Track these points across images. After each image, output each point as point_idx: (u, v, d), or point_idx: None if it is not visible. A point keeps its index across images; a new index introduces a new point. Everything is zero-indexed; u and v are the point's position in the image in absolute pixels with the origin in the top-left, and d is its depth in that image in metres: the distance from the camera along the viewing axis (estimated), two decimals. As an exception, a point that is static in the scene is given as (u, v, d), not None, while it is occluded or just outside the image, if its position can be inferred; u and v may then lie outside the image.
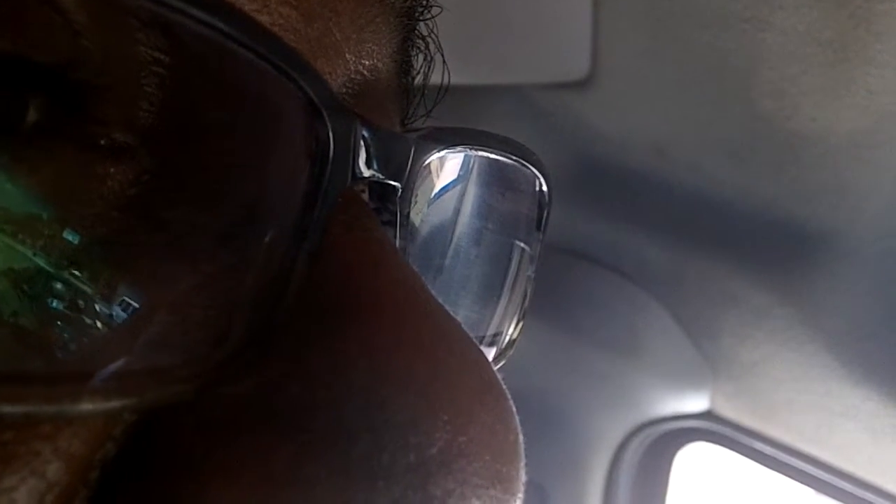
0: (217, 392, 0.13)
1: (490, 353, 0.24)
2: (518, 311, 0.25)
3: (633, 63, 0.51)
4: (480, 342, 0.24)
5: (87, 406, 0.11)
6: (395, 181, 0.17)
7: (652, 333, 0.67)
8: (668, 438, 0.70)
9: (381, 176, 0.16)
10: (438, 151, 0.19)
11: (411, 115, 0.22)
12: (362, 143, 0.15)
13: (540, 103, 0.58)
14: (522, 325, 0.25)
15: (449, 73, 0.24)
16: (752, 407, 0.65)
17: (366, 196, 0.17)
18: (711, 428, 0.68)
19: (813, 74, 0.44)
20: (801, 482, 0.64)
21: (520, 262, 0.25)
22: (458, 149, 0.20)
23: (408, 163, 0.17)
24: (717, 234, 0.58)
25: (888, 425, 0.56)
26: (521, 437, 0.15)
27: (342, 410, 0.13)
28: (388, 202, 0.17)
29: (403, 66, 0.20)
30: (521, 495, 0.15)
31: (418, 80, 0.22)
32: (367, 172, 0.16)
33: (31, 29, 0.11)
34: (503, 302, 0.25)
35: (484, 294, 0.24)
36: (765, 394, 0.63)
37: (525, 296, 0.25)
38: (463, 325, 0.15)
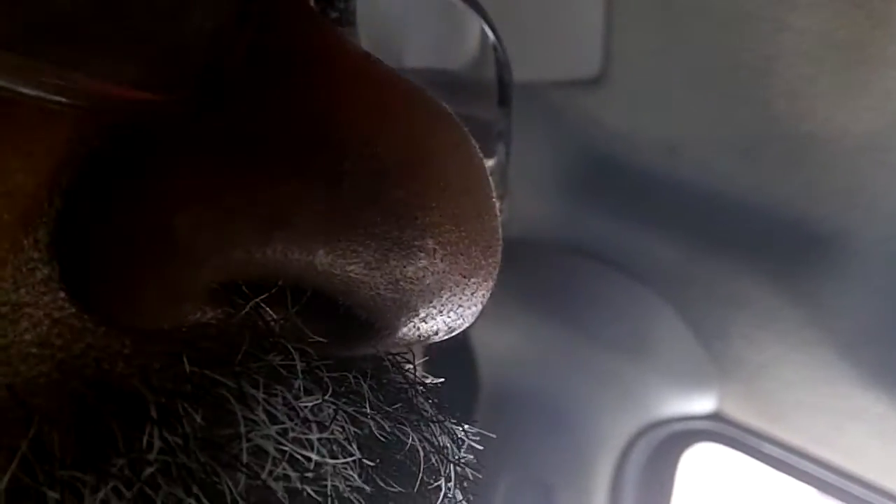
0: (179, 112, 0.13)
1: None
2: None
3: (646, 61, 0.51)
4: None
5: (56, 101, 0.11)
6: None
7: (660, 334, 0.66)
8: (674, 439, 0.70)
9: None
10: None
11: None
12: None
13: (551, 101, 0.58)
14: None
15: None
16: (759, 408, 0.65)
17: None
18: (719, 429, 0.67)
19: (828, 75, 0.44)
20: (809, 484, 0.64)
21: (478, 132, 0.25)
22: None
23: None
24: (727, 235, 0.58)
25: (897, 428, 0.56)
26: (485, 168, 0.15)
27: (303, 135, 0.13)
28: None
29: None
30: (495, 210, 0.14)
31: None
32: None
33: None
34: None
35: None
36: (773, 395, 0.63)
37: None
38: None
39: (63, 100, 0.12)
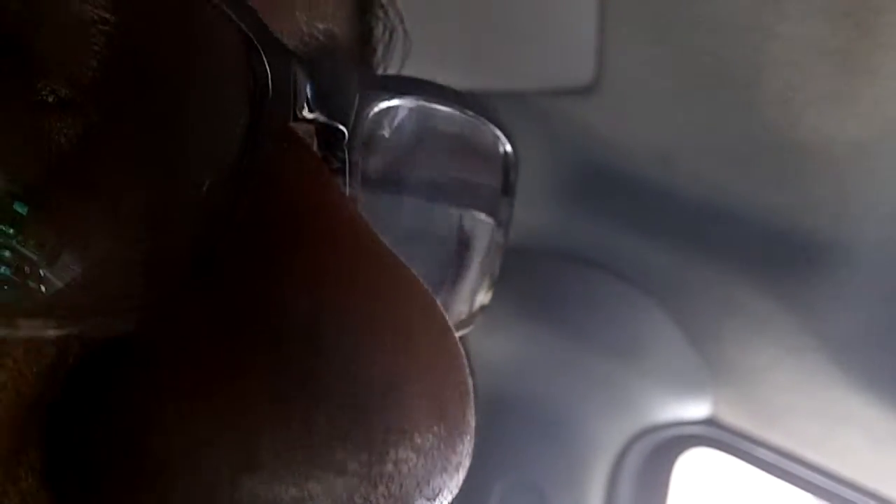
0: (163, 321, 0.13)
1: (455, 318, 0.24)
2: (489, 279, 0.24)
3: (638, 70, 0.51)
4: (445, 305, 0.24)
5: (25, 331, 0.12)
6: (340, 124, 0.16)
7: (654, 339, 0.67)
8: (669, 444, 0.70)
9: (324, 118, 0.16)
10: (387, 99, 0.18)
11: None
12: (307, 83, 0.15)
13: (544, 110, 0.58)
14: (493, 293, 0.24)
15: (410, 44, 0.23)
16: (753, 413, 0.65)
17: (314, 145, 0.16)
18: (713, 434, 0.68)
19: (818, 84, 0.44)
20: (803, 489, 0.64)
21: (484, 229, 0.24)
22: (408, 99, 0.19)
23: (353, 106, 0.17)
24: (720, 242, 0.58)
25: (890, 432, 0.56)
26: (469, 378, 0.14)
27: (281, 336, 0.12)
28: (336, 148, 0.17)
29: (364, 35, 0.19)
30: (469, 439, 0.14)
31: (383, 50, 0.21)
32: (310, 115, 0.15)
33: None
34: (467, 266, 0.24)
35: (441, 258, 0.24)
36: (767, 400, 0.63)
37: (494, 265, 0.24)
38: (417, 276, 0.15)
39: (50, 334, 0.12)
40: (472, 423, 0.14)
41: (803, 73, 0.44)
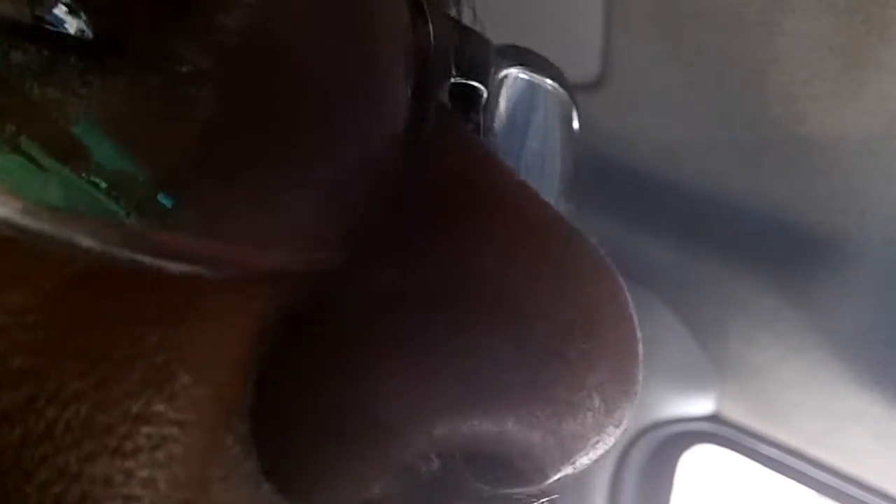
0: (357, 278, 0.12)
1: None
2: None
3: (644, 65, 0.51)
4: None
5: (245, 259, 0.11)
6: (481, 85, 0.17)
7: (659, 335, 0.67)
8: (673, 441, 0.70)
9: (469, 80, 0.16)
10: (511, 66, 0.18)
11: None
12: (456, 46, 0.15)
13: (550, 105, 0.58)
14: None
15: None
16: (758, 410, 0.65)
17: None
18: (717, 430, 0.68)
19: (824, 79, 0.44)
20: (807, 485, 0.64)
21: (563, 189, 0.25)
22: (527, 69, 0.20)
23: (490, 71, 0.17)
24: (725, 238, 0.58)
25: (894, 429, 0.56)
26: (641, 355, 0.15)
27: (479, 294, 0.13)
28: (472, 110, 0.17)
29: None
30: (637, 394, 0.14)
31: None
32: (456, 77, 0.16)
33: None
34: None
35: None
36: (771, 397, 0.63)
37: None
38: None
39: (239, 273, 0.12)
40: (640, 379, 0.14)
41: (810, 69, 0.44)
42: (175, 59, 0.11)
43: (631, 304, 0.14)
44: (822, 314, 0.56)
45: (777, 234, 0.55)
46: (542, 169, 0.24)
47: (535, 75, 0.21)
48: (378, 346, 0.12)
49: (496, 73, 0.18)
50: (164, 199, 0.11)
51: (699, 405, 0.67)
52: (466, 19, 0.21)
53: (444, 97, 0.15)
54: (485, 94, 0.17)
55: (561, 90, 0.22)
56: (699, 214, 0.58)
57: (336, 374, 0.12)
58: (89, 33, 0.10)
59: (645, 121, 0.55)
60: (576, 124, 0.24)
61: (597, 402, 0.13)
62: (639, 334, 0.14)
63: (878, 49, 0.41)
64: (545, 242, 0.14)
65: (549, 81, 0.21)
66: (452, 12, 0.20)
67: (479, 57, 0.17)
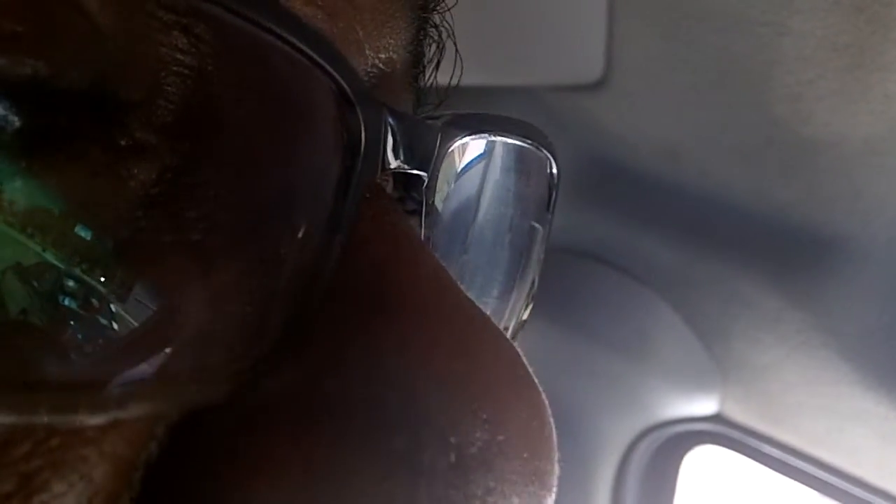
0: (256, 388, 0.12)
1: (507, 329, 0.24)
2: (529, 294, 0.25)
3: (647, 65, 0.51)
4: (497, 315, 0.24)
5: (132, 410, 0.11)
6: (421, 171, 0.17)
7: (662, 336, 0.67)
8: (676, 441, 0.70)
9: (407, 166, 0.16)
10: (462, 138, 0.18)
11: (423, 108, 0.22)
12: (390, 132, 0.15)
13: (553, 105, 0.58)
14: (531, 307, 0.25)
15: (462, 64, 0.24)
16: (761, 410, 0.65)
17: (389, 186, 0.17)
18: (720, 431, 0.67)
19: (828, 79, 0.44)
20: (810, 486, 0.64)
21: (533, 245, 0.25)
22: (481, 135, 0.20)
23: (434, 151, 0.17)
24: (729, 238, 0.58)
25: (898, 430, 0.56)
26: (554, 432, 0.15)
27: (381, 407, 0.13)
28: (413, 191, 0.17)
29: (416, 57, 0.20)
30: (555, 489, 0.15)
31: (430, 69, 0.22)
32: (394, 163, 0.16)
33: (62, 46, 0.11)
34: (519, 284, 0.25)
35: (503, 277, 0.24)
36: (774, 397, 0.63)
37: (535, 278, 0.25)
38: (490, 317, 0.15)
39: (123, 414, 0.11)
40: (558, 472, 0.14)
41: (814, 69, 0.44)
42: (114, 133, 0.11)
43: (551, 426, 0.14)
44: (826, 314, 0.56)
45: (780, 233, 0.55)
46: (507, 226, 0.24)
47: (498, 137, 0.21)
48: (257, 462, 0.12)
49: (445, 148, 0.18)
50: (82, 232, 0.11)
51: (702, 405, 0.67)
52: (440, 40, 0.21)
53: (376, 185, 0.15)
54: (425, 178, 0.17)
55: (529, 145, 0.22)
56: (703, 214, 0.58)
57: (212, 481, 0.12)
58: (15, 121, 0.10)
59: (648, 121, 0.55)
60: (554, 169, 0.24)
61: None
62: (555, 455, 0.14)
63: (883, 49, 0.41)
64: (457, 352, 0.13)
65: (514, 140, 0.22)
66: (433, 34, 0.20)
67: (421, 141, 0.16)
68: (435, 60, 0.22)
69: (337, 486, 0.12)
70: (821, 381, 0.58)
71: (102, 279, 0.11)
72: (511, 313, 0.24)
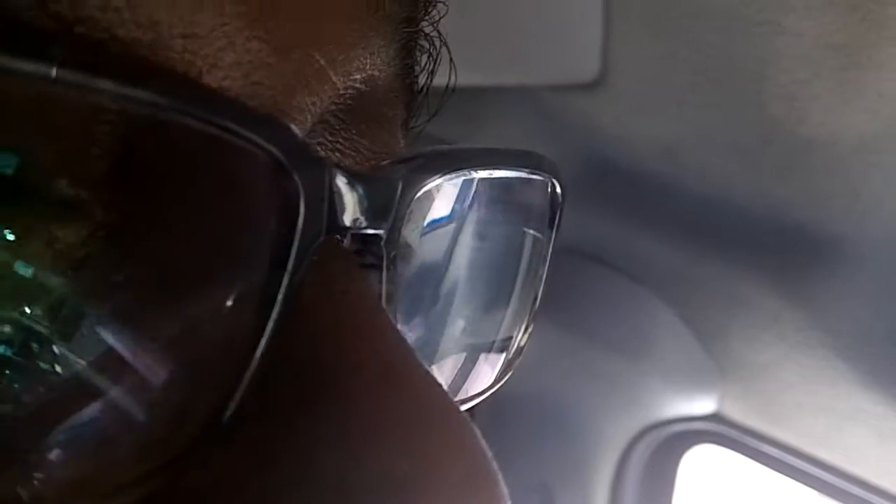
0: (178, 486, 0.12)
1: (499, 359, 0.23)
2: (528, 315, 0.24)
3: (644, 65, 0.51)
4: (490, 348, 0.23)
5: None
6: (378, 230, 0.15)
7: (660, 335, 0.67)
8: (675, 440, 0.70)
9: (363, 224, 0.15)
10: (431, 181, 0.17)
11: (417, 115, 0.21)
12: (345, 189, 0.14)
13: (549, 105, 0.58)
14: (531, 330, 0.24)
15: (456, 72, 0.23)
16: (759, 409, 0.65)
17: (347, 241, 0.15)
18: (719, 430, 0.67)
19: (824, 78, 0.44)
20: (808, 485, 0.64)
21: (530, 265, 0.23)
22: (454, 174, 0.18)
23: (393, 205, 0.16)
24: (726, 237, 0.58)
25: (896, 429, 0.56)
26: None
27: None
28: (373, 245, 0.16)
29: (406, 68, 0.18)
30: None
31: (424, 78, 0.20)
32: (348, 222, 0.14)
33: None
34: (513, 307, 0.23)
35: (494, 300, 0.23)
36: (773, 396, 0.63)
37: (536, 296, 0.24)
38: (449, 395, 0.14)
39: None
40: None
41: (810, 68, 0.44)
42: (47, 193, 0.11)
43: (495, 477, 0.13)
44: (824, 313, 0.56)
45: (778, 233, 0.55)
46: (494, 262, 0.23)
47: (480, 173, 0.20)
48: None
49: (409, 195, 0.16)
50: (22, 270, 0.11)
51: (700, 404, 0.67)
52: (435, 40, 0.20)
53: (330, 246, 0.14)
54: (384, 234, 0.16)
55: (521, 173, 0.21)
56: (700, 214, 0.58)
57: None
58: None
59: (645, 121, 0.55)
60: (557, 189, 0.23)
61: None
62: None
63: (878, 48, 0.41)
64: (406, 447, 0.12)
65: (495, 174, 0.20)
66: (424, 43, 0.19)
67: (377, 195, 0.15)
68: (428, 69, 0.21)
69: None
70: (819, 381, 0.58)
71: (21, 348, 0.11)
72: (504, 335, 0.23)
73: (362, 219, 0.15)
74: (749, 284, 0.59)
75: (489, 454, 0.14)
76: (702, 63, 0.48)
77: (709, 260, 0.60)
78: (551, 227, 0.23)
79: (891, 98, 0.43)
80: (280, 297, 0.12)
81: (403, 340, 0.14)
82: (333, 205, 0.14)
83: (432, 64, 0.21)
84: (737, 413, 0.67)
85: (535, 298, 0.24)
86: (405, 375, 0.13)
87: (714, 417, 0.68)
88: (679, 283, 0.64)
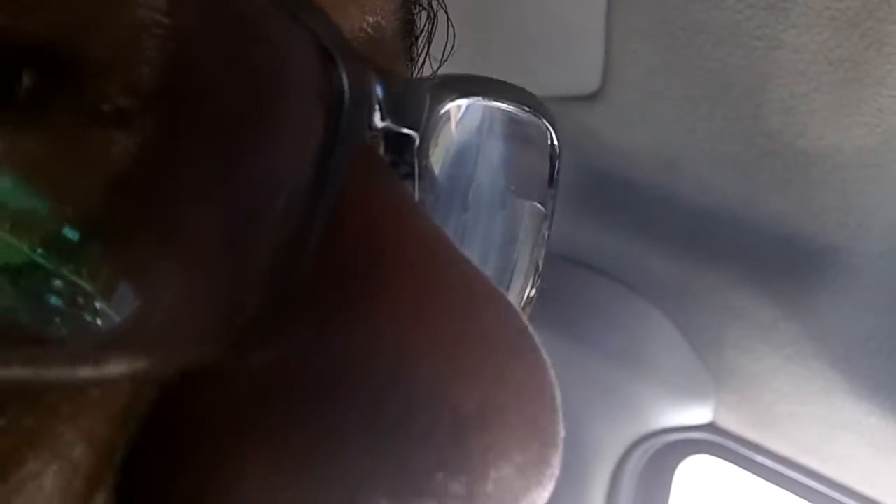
0: (238, 363, 0.12)
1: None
2: (535, 271, 0.24)
3: (644, 77, 0.51)
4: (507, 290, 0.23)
5: (111, 368, 0.11)
6: (412, 130, 0.16)
7: (656, 345, 0.67)
8: (670, 450, 0.70)
9: (396, 126, 0.15)
10: (453, 100, 0.18)
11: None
12: (377, 91, 0.15)
13: (550, 116, 0.58)
14: (539, 287, 0.24)
15: (455, 34, 0.23)
16: (754, 419, 0.65)
17: (381, 149, 0.16)
18: (714, 440, 0.68)
19: (823, 93, 0.45)
20: (803, 496, 0.64)
21: (535, 217, 0.24)
22: (473, 98, 0.19)
23: (424, 111, 0.16)
24: (723, 248, 0.58)
25: (890, 440, 0.56)
26: (556, 390, 0.14)
27: (369, 381, 0.12)
28: (406, 153, 0.16)
29: (407, 26, 0.19)
30: (560, 452, 0.14)
31: (422, 44, 0.21)
32: (382, 123, 0.15)
33: None
34: (521, 258, 0.24)
35: (503, 250, 0.24)
36: (767, 407, 0.63)
37: (540, 255, 0.24)
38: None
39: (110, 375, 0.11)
40: (562, 435, 0.14)
41: (809, 82, 0.45)
42: (95, 98, 0.11)
43: (552, 384, 0.14)
44: (819, 325, 0.56)
45: (774, 245, 0.55)
46: (502, 192, 0.23)
47: (492, 101, 0.20)
48: (244, 436, 0.12)
49: (435, 109, 0.17)
50: (70, 233, 0.11)
51: (696, 414, 0.68)
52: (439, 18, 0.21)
53: (368, 147, 0.15)
54: (417, 138, 0.16)
55: (524, 112, 0.22)
56: (697, 225, 0.58)
57: (195, 463, 0.12)
58: None
59: (644, 133, 0.55)
60: (555, 140, 0.23)
61: (502, 493, 0.12)
62: (558, 414, 0.14)
63: (877, 63, 0.42)
64: (455, 317, 0.13)
65: (506, 106, 0.21)
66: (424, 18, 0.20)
67: (410, 99, 0.16)
68: (426, 35, 0.21)
69: (328, 461, 0.12)
70: (813, 391, 0.59)
71: (75, 260, 0.11)
72: (514, 284, 0.24)
73: (397, 122, 0.15)
74: (745, 295, 0.59)
75: (532, 330, 0.14)
76: (701, 76, 0.49)
77: (706, 270, 0.61)
78: (551, 184, 0.24)
79: (889, 113, 0.43)
80: (327, 189, 0.13)
81: (441, 228, 0.15)
82: (373, 104, 0.15)
83: (431, 24, 0.21)
84: (732, 423, 0.67)
85: (541, 256, 0.24)
86: (447, 256, 0.14)
87: (709, 427, 0.68)
88: (676, 293, 0.64)
